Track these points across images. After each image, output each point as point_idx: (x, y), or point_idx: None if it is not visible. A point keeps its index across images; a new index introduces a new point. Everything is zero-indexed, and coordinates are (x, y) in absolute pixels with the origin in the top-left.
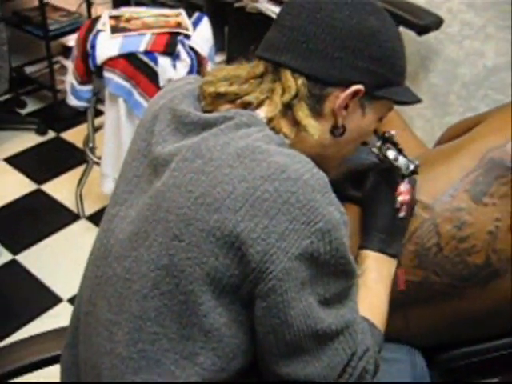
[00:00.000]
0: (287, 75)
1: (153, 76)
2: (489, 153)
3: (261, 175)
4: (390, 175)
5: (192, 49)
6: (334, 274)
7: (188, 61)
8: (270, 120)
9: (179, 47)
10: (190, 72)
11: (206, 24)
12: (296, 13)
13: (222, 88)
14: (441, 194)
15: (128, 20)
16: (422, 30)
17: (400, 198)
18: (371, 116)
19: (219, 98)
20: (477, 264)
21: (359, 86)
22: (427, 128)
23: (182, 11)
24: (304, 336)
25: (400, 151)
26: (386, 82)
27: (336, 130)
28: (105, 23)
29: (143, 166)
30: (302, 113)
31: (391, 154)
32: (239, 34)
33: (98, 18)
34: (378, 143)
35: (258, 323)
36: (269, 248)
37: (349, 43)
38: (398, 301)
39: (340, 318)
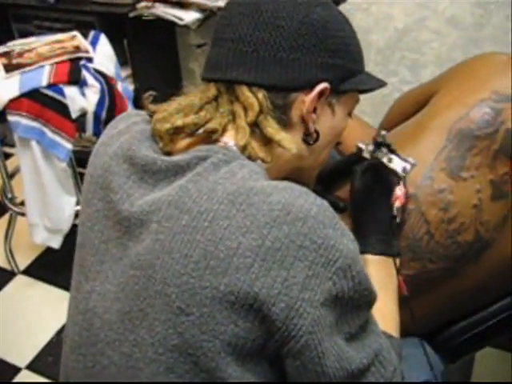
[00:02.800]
0: (244, 92)
1: (62, 110)
2: (454, 125)
3: (265, 221)
4: (381, 176)
5: (97, 71)
6: (358, 307)
7: (97, 85)
8: (243, 148)
9: (84, 73)
10: (102, 97)
11: (104, 42)
12: (236, 22)
13: (179, 121)
14: (420, 179)
15: (20, 54)
16: None
17: (397, 204)
18: (341, 113)
19: (177, 133)
20: (468, 241)
21: (324, 84)
22: None
23: (77, 33)
24: (340, 378)
25: (393, 151)
26: (349, 72)
27: (309, 137)
28: None
29: (108, 229)
30: (272, 128)
31: (385, 158)
32: (140, 44)
33: None
34: (370, 148)
35: (290, 377)
36: (293, 302)
37: (302, 41)
38: (402, 299)
39: (368, 349)
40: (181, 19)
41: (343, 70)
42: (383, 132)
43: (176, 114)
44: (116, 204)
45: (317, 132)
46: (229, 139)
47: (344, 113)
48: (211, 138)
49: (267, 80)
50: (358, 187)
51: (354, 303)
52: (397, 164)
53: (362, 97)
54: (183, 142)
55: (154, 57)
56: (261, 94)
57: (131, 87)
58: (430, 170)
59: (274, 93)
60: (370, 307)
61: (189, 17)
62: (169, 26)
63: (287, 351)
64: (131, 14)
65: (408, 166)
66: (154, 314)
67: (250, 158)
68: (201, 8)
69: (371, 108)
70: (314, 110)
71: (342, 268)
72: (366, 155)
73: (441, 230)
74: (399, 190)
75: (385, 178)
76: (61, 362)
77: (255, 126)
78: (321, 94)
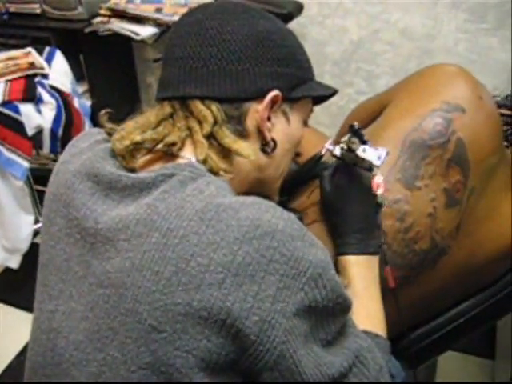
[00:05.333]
0: (198, 106)
1: (18, 127)
2: (408, 136)
3: (235, 237)
4: (352, 174)
5: (53, 88)
6: (333, 314)
7: (53, 102)
8: (204, 161)
9: (39, 89)
10: (59, 114)
11: (60, 58)
12: (183, 42)
13: (138, 137)
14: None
15: None
16: (286, 19)
17: (380, 191)
18: (296, 121)
19: (137, 149)
20: (424, 249)
21: (275, 92)
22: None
23: (31, 49)
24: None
25: (365, 142)
26: (299, 80)
27: (267, 147)
28: None
29: (70, 247)
30: (228, 138)
31: (360, 147)
32: (97, 60)
33: None
34: (346, 137)
35: None
36: (266, 315)
37: (249, 52)
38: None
39: (347, 351)
40: (137, 34)
41: (292, 77)
42: (355, 123)
43: (134, 131)
44: (80, 221)
45: (274, 141)
46: (188, 154)
47: (299, 120)
48: (172, 152)
49: (219, 92)
50: (329, 190)
51: (328, 311)
52: (371, 154)
53: (319, 108)
54: (145, 158)
55: (111, 72)
56: (214, 107)
57: (88, 103)
58: (386, 181)
59: (226, 104)
60: (346, 313)
61: (145, 32)
62: (125, 41)
63: (264, 364)
64: (87, 30)
65: (383, 154)
66: (126, 332)
67: (211, 170)
68: (157, 23)
69: (328, 119)
70: (269, 119)
71: (312, 278)
72: (337, 152)
73: (398, 240)
74: (379, 178)
75: (357, 175)
76: None
77: (212, 139)
78: (273, 102)
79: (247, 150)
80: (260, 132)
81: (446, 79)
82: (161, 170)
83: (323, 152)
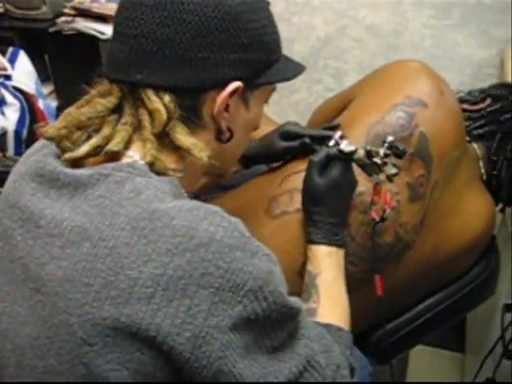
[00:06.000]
0: (150, 96)
1: None
2: (371, 129)
3: (167, 248)
4: (347, 170)
5: (17, 89)
6: (278, 322)
7: (16, 103)
8: (151, 164)
9: (2, 91)
10: (22, 115)
11: (23, 58)
12: (138, 16)
13: (82, 149)
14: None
15: None
16: None
17: (388, 209)
18: (256, 106)
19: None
20: (388, 242)
21: (237, 84)
22: (277, 110)
23: None
24: None
25: (400, 156)
26: (265, 65)
27: (222, 136)
28: None
29: (13, 248)
30: (181, 135)
31: (389, 168)
32: (62, 59)
33: None
34: (381, 151)
35: None
36: (199, 330)
37: (211, 38)
38: None
39: (298, 356)
40: (102, 33)
41: (258, 64)
42: (391, 137)
43: (77, 129)
44: (23, 222)
45: (230, 129)
46: (134, 152)
47: (260, 105)
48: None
49: (174, 82)
50: (316, 179)
51: (272, 320)
52: (391, 169)
53: (287, 105)
54: (89, 161)
55: (77, 72)
56: (167, 98)
57: (54, 104)
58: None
59: (182, 95)
60: (295, 318)
61: (110, 31)
62: (91, 40)
63: (202, 380)
64: (51, 29)
65: (394, 171)
66: (60, 342)
67: (159, 172)
68: None
69: (296, 116)
70: (227, 108)
71: (252, 290)
72: (347, 149)
73: (361, 233)
74: (389, 194)
75: (351, 172)
76: None
77: (164, 135)
78: (233, 92)
79: (200, 149)
80: (215, 121)
81: (408, 75)
82: (99, 169)
83: (331, 144)
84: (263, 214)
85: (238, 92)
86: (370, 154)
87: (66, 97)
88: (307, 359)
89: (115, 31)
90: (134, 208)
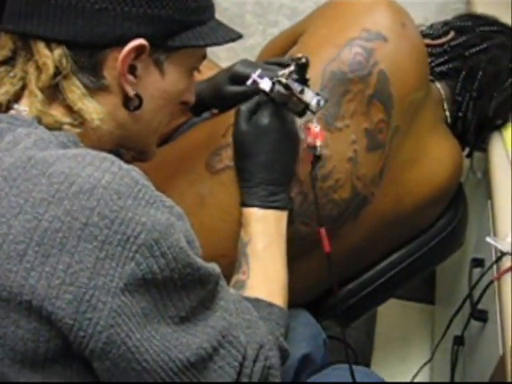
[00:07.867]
0: (40, 48)
1: None
2: (327, 67)
3: (42, 198)
4: (277, 116)
5: None
6: (184, 287)
7: None
8: (38, 119)
9: None
10: None
11: None
12: None
13: None
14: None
15: None
16: None
17: (319, 143)
18: (175, 73)
19: None
20: (344, 198)
21: (138, 41)
22: (231, 56)
23: None
24: (176, 373)
25: (306, 82)
26: (180, 25)
27: (130, 103)
28: None
29: None
30: (73, 94)
31: (297, 85)
32: None
33: None
34: (286, 70)
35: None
36: (82, 292)
37: None
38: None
39: (211, 330)
40: None
41: (170, 23)
42: (304, 56)
43: None
44: None
45: (139, 96)
46: (23, 106)
47: (180, 72)
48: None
49: (66, 35)
50: (244, 128)
51: (175, 283)
52: (310, 96)
53: (241, 50)
54: None
55: None
56: (58, 52)
57: None
58: (304, 120)
59: (76, 50)
60: (205, 284)
61: None
62: None
63: (90, 352)
64: None
65: (322, 101)
66: None
67: (50, 128)
68: None
69: None
70: (133, 71)
71: (146, 244)
72: (265, 86)
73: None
74: (316, 127)
75: (283, 117)
76: None
77: (57, 91)
78: (137, 52)
79: (93, 112)
80: (120, 85)
81: (365, 5)
82: None
83: (249, 83)
84: (202, 169)
85: (145, 53)
86: (286, 86)
87: None
88: (223, 334)
89: None
90: (9, 158)
